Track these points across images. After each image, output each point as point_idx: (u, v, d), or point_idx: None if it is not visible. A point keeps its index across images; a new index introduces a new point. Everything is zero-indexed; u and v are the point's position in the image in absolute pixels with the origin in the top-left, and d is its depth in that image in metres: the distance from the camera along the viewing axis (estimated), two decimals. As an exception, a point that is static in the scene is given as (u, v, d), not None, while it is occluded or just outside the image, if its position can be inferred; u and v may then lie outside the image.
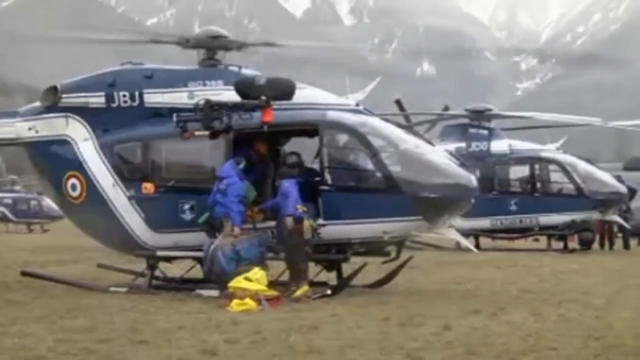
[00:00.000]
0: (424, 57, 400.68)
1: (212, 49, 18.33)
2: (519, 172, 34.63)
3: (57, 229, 49.74)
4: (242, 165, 16.74)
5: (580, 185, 33.18)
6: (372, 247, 17.49)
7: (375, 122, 17.98)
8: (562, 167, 33.76)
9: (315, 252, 16.83)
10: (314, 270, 17.75)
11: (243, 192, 16.49)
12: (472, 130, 34.10)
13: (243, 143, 17.65)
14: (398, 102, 35.14)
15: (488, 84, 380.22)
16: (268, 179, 18.28)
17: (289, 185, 16.43)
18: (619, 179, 35.32)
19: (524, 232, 33.76)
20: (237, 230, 16.21)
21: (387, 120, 19.03)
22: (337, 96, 18.73)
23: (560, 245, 33.20)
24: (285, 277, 16.86)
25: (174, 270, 18.76)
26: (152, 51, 21.21)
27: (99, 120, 17.92)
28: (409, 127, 22.46)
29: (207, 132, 17.07)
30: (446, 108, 37.72)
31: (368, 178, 17.39)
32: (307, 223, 16.15)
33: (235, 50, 18.56)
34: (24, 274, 18.95)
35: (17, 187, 62.38)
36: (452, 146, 30.70)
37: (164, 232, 17.25)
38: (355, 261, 17.76)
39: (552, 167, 34.20)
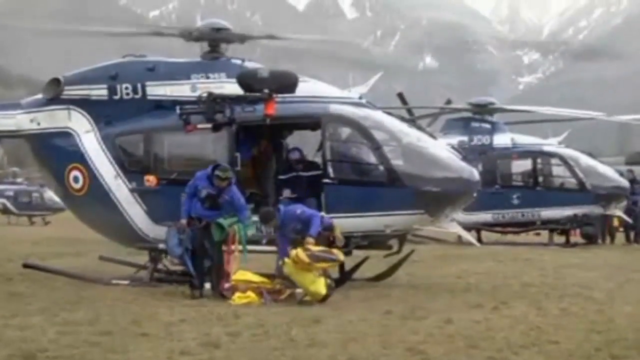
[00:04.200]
0: (426, 51, 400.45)
1: (214, 41, 18.30)
2: (521, 166, 34.58)
3: (59, 221, 49.76)
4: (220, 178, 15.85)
5: (582, 179, 33.11)
6: (374, 241, 17.49)
7: (378, 115, 18.00)
8: (565, 161, 33.70)
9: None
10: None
11: (191, 187, 15.97)
12: (475, 124, 34.01)
13: (246, 136, 17.66)
14: (400, 96, 35.08)
15: (490, 77, 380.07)
16: (270, 172, 18.28)
17: (305, 210, 15.83)
18: (631, 174, 35.39)
19: (526, 226, 33.73)
20: (182, 222, 15.98)
21: (389, 113, 19.02)
22: (339, 89, 18.73)
23: (562, 239, 33.22)
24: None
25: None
26: (154, 44, 21.21)
27: (101, 113, 17.92)
28: (411, 121, 22.45)
29: (209, 125, 17.08)
30: (448, 102, 37.68)
31: (370, 171, 17.42)
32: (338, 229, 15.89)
33: (238, 42, 18.56)
34: (25, 266, 18.95)
35: (18, 180, 62.39)
36: (454, 140, 30.64)
37: (166, 224, 17.24)
38: (357, 254, 17.76)
39: (554, 161, 34.13)
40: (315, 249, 14.89)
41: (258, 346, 10.46)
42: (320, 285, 14.73)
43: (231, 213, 15.77)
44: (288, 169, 17.75)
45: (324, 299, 14.70)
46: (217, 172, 15.74)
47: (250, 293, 14.74)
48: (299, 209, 15.75)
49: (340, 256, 15.36)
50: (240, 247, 15.57)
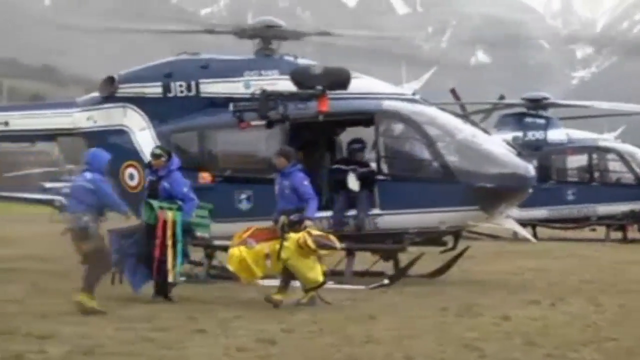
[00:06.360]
0: (478, 46, 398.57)
1: (267, 38, 18.35)
2: (576, 161, 34.31)
3: (115, 219, 50.19)
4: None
5: (639, 174, 32.77)
6: (429, 237, 17.42)
7: (432, 111, 17.94)
8: (621, 156, 33.38)
9: (372, 241, 16.87)
10: (370, 259, 17.74)
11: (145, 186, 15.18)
12: (529, 120, 33.85)
13: (299, 133, 17.66)
14: (453, 92, 34.96)
15: (543, 72, 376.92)
16: (323, 170, 18.25)
17: (310, 189, 14.47)
18: None
19: (581, 221, 33.43)
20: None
21: (443, 109, 18.95)
22: (392, 85, 18.68)
23: (619, 235, 32.87)
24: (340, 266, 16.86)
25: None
26: (205, 41, 21.30)
27: (155, 110, 18.06)
28: (464, 117, 22.36)
29: (263, 122, 17.11)
30: (502, 97, 37.46)
31: (425, 167, 17.37)
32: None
33: (291, 39, 18.58)
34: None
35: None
36: (508, 135, 30.47)
37: (221, 221, 17.26)
38: (412, 251, 17.71)
39: (610, 156, 33.85)
40: (316, 232, 13.97)
41: (313, 343, 10.45)
42: (318, 272, 13.85)
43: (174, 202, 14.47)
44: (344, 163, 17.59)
45: (320, 286, 13.94)
46: (151, 150, 15.10)
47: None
48: (308, 182, 14.41)
49: (338, 244, 14.14)
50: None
